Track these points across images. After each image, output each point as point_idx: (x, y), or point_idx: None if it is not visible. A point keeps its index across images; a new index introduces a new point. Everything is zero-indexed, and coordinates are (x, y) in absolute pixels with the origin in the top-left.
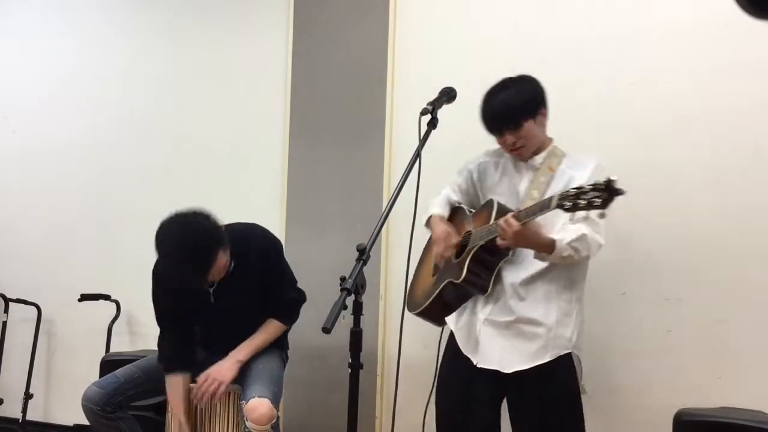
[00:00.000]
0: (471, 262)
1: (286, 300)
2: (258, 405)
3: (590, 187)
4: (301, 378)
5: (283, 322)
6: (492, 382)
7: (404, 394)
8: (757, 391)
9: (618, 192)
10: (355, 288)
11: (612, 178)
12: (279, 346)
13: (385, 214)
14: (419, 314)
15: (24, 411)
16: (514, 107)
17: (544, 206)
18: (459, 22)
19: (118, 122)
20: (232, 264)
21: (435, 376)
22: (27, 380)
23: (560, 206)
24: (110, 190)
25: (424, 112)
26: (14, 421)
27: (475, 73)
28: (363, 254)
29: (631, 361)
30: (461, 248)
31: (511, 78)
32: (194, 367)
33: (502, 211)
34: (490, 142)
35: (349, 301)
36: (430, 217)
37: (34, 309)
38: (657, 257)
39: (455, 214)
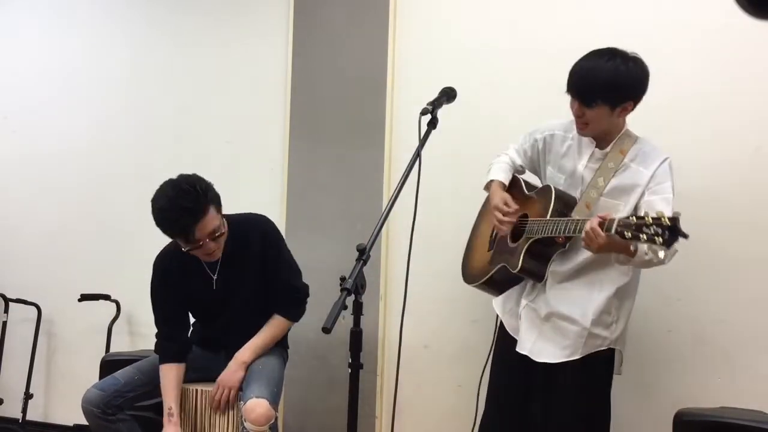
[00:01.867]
0: (527, 253)
1: (290, 288)
2: (255, 405)
3: (653, 220)
4: (301, 378)
5: (288, 316)
6: (528, 364)
7: (404, 394)
8: (757, 391)
9: (682, 235)
10: (355, 288)
11: (677, 215)
12: (280, 344)
13: (385, 214)
14: (476, 287)
15: (24, 411)
16: (597, 84)
17: (607, 227)
18: (459, 23)
19: (118, 122)
20: (231, 247)
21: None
22: (27, 380)
23: (620, 234)
24: (110, 190)
25: (424, 112)
26: (14, 421)
27: (475, 74)
28: (363, 254)
29: (631, 361)
30: (516, 231)
31: (624, 53)
32: (187, 356)
33: (563, 202)
34: (492, 143)
35: (349, 301)
36: (491, 182)
37: (34, 309)
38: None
39: (512, 185)
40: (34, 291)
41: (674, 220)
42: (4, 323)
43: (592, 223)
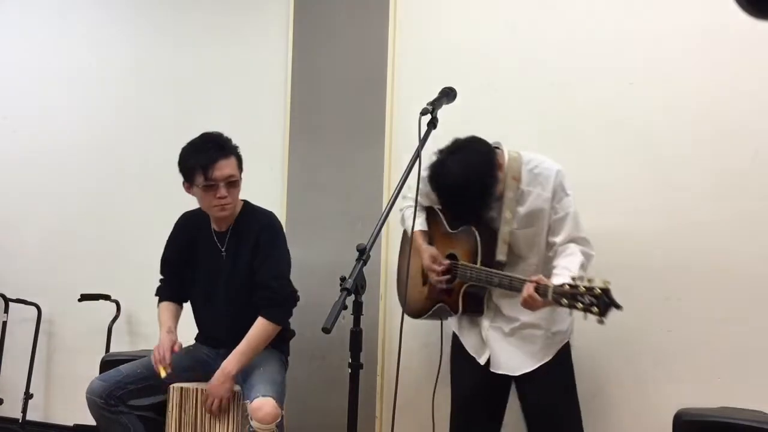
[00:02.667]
0: (464, 296)
1: (269, 285)
2: (263, 404)
3: (585, 289)
4: (301, 378)
5: (270, 318)
6: (502, 380)
7: (404, 394)
8: (757, 391)
9: (614, 305)
10: (355, 288)
11: (608, 286)
12: (279, 350)
13: (385, 214)
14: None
15: (24, 411)
16: (476, 199)
17: (543, 293)
18: (459, 22)
19: (119, 122)
20: (240, 226)
21: (438, 371)
22: (27, 380)
23: (556, 301)
24: (110, 190)
25: (424, 112)
26: (14, 421)
27: (475, 74)
28: (363, 254)
29: (631, 361)
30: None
31: (454, 150)
32: (182, 302)
33: (486, 245)
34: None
35: (349, 301)
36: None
37: (34, 309)
38: (657, 257)
39: (432, 218)
40: (34, 291)
41: (606, 291)
42: (4, 323)
43: (529, 290)
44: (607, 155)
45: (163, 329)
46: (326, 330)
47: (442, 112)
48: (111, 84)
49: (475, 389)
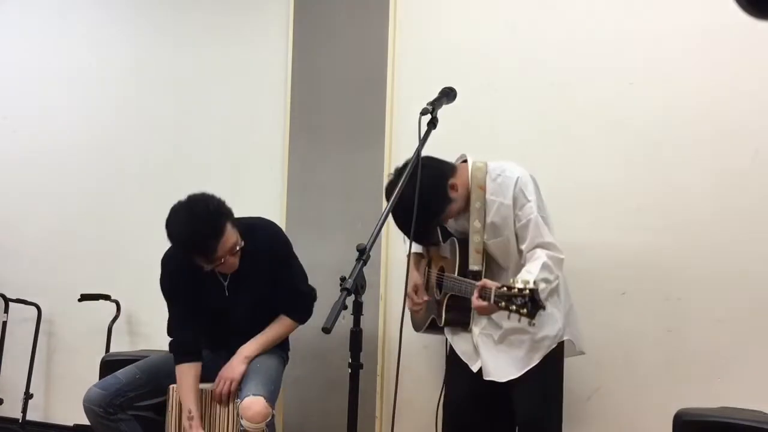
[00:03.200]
0: (447, 308)
1: (298, 293)
2: (252, 403)
3: (518, 290)
4: (301, 378)
5: (296, 318)
6: (493, 387)
7: (404, 394)
8: (757, 391)
9: (540, 306)
10: (355, 288)
11: (533, 286)
12: (280, 346)
13: (385, 214)
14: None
15: (24, 411)
16: (428, 221)
17: (486, 296)
18: (459, 22)
19: (119, 122)
20: (242, 254)
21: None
22: (27, 380)
23: (497, 304)
24: (110, 190)
25: (424, 112)
26: (14, 421)
27: (475, 73)
28: (363, 254)
29: (631, 361)
30: (437, 282)
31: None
32: (201, 354)
33: (463, 258)
34: (492, 143)
35: (349, 301)
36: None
37: (34, 309)
38: (657, 257)
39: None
40: (34, 291)
41: (533, 291)
42: (4, 323)
43: (474, 298)
44: (607, 155)
45: (185, 413)
46: (326, 330)
47: (442, 112)
48: (111, 84)
49: (467, 396)
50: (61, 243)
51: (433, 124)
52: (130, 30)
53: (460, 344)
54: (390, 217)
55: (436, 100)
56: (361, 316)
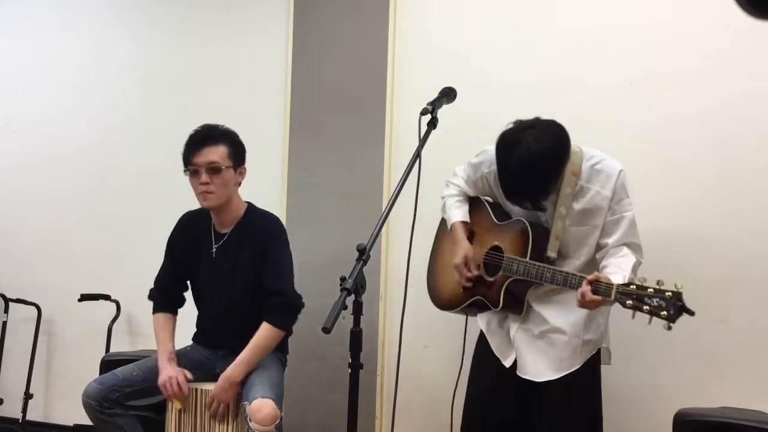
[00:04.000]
0: (506, 292)
1: (275, 291)
2: (262, 405)
3: (655, 291)
4: (301, 378)
5: (275, 324)
6: (523, 384)
7: (404, 394)
8: (757, 391)
9: (687, 312)
10: (355, 288)
11: (679, 288)
12: (279, 349)
13: (385, 214)
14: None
15: (24, 411)
16: (546, 186)
17: (605, 293)
18: (459, 22)
19: (119, 122)
20: (239, 230)
21: (460, 370)
22: (27, 380)
23: (620, 302)
24: (111, 190)
25: (424, 112)
26: (14, 421)
27: (475, 73)
28: (363, 254)
29: (631, 361)
30: (490, 264)
31: (526, 128)
32: (178, 309)
33: (538, 240)
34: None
35: (349, 301)
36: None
37: (34, 309)
38: (657, 257)
39: (477, 208)
40: (34, 291)
41: (678, 295)
42: (4, 323)
43: (584, 290)
44: (607, 155)
45: (163, 354)
46: (326, 330)
47: (442, 112)
48: (111, 84)
49: (495, 394)
50: (61, 243)
51: (433, 124)
52: (130, 30)
53: (495, 338)
54: (390, 217)
55: (436, 100)
56: (361, 316)
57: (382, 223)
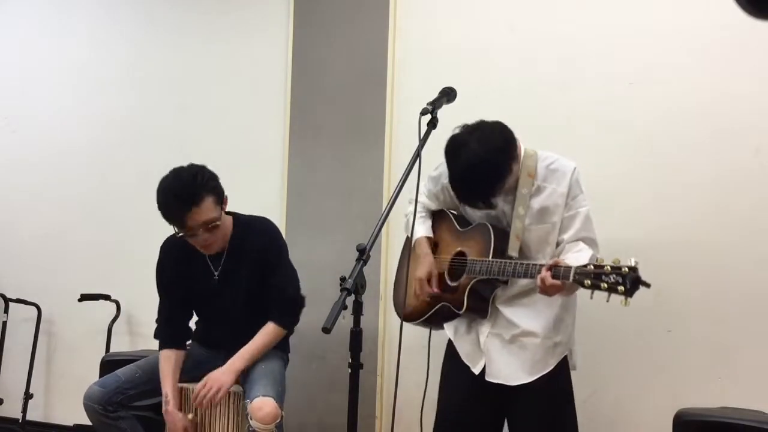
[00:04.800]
0: (470, 293)
1: (284, 296)
2: (263, 404)
3: (611, 268)
4: (301, 378)
5: (281, 324)
6: (495, 391)
7: (404, 394)
8: (757, 391)
9: (643, 284)
10: (355, 288)
11: (634, 263)
12: (280, 348)
13: (385, 214)
14: (415, 324)
15: (24, 411)
16: (491, 183)
17: (564, 274)
18: (459, 22)
19: (119, 122)
20: (235, 245)
21: (426, 378)
22: (27, 380)
23: (579, 282)
24: (110, 189)
25: (424, 112)
26: (14, 421)
27: (475, 74)
28: (363, 254)
29: (631, 361)
30: (454, 268)
31: (471, 131)
32: (185, 343)
33: (499, 240)
34: None
35: (349, 301)
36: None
37: (34, 309)
38: (657, 257)
39: (442, 219)
40: (34, 291)
41: (634, 269)
42: (4, 323)
43: (544, 275)
44: (607, 155)
45: (164, 396)
46: (326, 330)
47: (442, 112)
48: (110, 84)
49: (465, 401)
50: (61, 243)
51: (433, 124)
52: (130, 30)
53: (464, 345)
54: (390, 217)
55: (436, 100)
56: (361, 316)
57: (382, 223)
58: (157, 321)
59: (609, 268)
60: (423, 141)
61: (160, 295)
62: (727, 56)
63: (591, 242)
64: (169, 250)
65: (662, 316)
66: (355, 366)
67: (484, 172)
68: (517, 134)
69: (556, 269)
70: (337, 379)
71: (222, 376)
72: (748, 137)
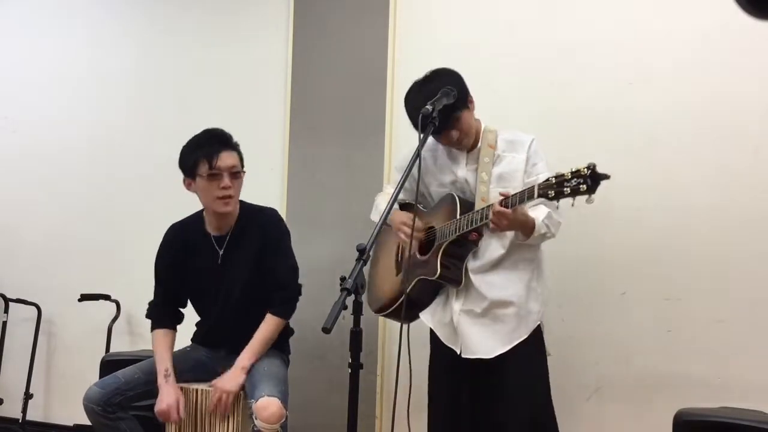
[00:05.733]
0: (443, 256)
1: (280, 283)
2: (268, 404)
3: (571, 173)
4: (301, 378)
5: (279, 314)
6: (476, 367)
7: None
8: (757, 391)
9: (602, 177)
10: (355, 288)
11: (593, 162)
12: (281, 349)
13: (385, 214)
14: (388, 314)
15: (24, 411)
16: (449, 105)
17: (528, 195)
18: (459, 23)
19: (119, 122)
20: (239, 228)
21: (410, 383)
22: (27, 380)
23: (544, 195)
24: (110, 189)
25: (424, 112)
26: (14, 421)
27: (475, 74)
28: (363, 254)
29: (631, 361)
30: (425, 244)
31: (427, 76)
32: (177, 325)
33: (465, 204)
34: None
35: (349, 301)
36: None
37: (34, 309)
38: (657, 257)
39: (406, 209)
40: (34, 291)
41: (591, 167)
42: (4, 323)
43: (496, 210)
44: (607, 155)
45: (160, 369)
46: (326, 330)
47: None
48: (111, 83)
49: (453, 385)
50: (61, 243)
51: (433, 124)
52: (130, 30)
53: (442, 329)
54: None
55: (436, 100)
56: (361, 316)
57: (382, 223)
58: (150, 303)
59: (569, 174)
60: (423, 141)
61: (156, 279)
62: (727, 56)
63: (551, 207)
64: (175, 234)
65: (662, 316)
66: (355, 366)
67: (431, 84)
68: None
69: (513, 197)
70: (337, 379)
71: (230, 380)
72: (747, 138)
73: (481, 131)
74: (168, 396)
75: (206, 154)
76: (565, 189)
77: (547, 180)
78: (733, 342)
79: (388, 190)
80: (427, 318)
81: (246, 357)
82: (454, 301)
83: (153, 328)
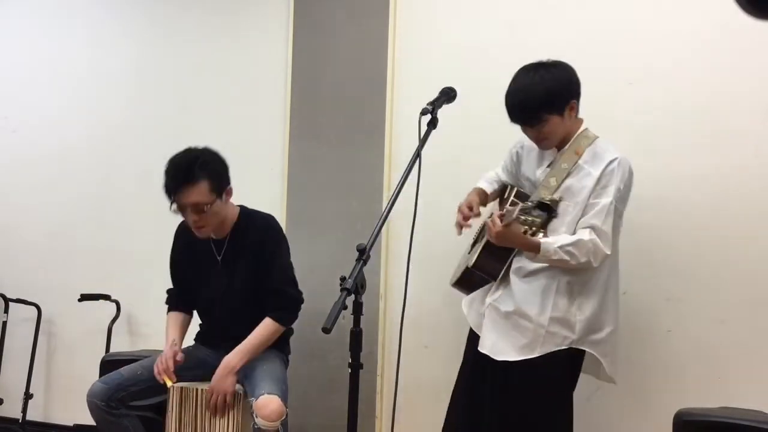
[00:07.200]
0: (483, 250)
1: (280, 292)
2: (268, 402)
3: (537, 202)
4: (301, 378)
5: (278, 320)
6: (492, 367)
7: (404, 394)
8: (757, 391)
9: (551, 209)
10: (355, 288)
11: (553, 198)
12: (281, 349)
13: (385, 214)
14: (454, 287)
15: (24, 411)
16: (535, 102)
17: (508, 216)
18: (459, 22)
19: (119, 122)
20: (236, 235)
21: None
22: (27, 380)
23: (519, 220)
24: (111, 189)
25: (424, 112)
26: (14, 421)
27: (475, 74)
28: (363, 254)
29: (631, 361)
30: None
31: (544, 63)
32: (191, 311)
33: (513, 202)
34: (492, 143)
35: (349, 301)
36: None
37: (34, 309)
38: (657, 257)
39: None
40: (34, 291)
41: (553, 201)
42: (4, 323)
43: (494, 213)
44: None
45: (168, 340)
46: (326, 330)
47: (442, 112)
48: (111, 84)
49: (469, 381)
50: (61, 243)
51: (433, 124)
52: (130, 30)
53: (474, 316)
54: (390, 217)
55: (436, 100)
56: (361, 316)
57: (382, 223)
58: (168, 291)
59: (537, 201)
60: (423, 141)
61: (171, 271)
62: (727, 56)
63: (600, 232)
64: (181, 233)
65: (662, 316)
66: (355, 366)
67: (533, 92)
68: (516, 135)
69: (508, 213)
70: (337, 379)
71: (223, 381)
72: (747, 137)
73: (575, 134)
74: (166, 352)
75: (168, 190)
76: (528, 218)
77: (526, 205)
78: (733, 342)
79: (497, 171)
80: (465, 305)
81: (236, 358)
82: (490, 294)
83: (168, 311)
